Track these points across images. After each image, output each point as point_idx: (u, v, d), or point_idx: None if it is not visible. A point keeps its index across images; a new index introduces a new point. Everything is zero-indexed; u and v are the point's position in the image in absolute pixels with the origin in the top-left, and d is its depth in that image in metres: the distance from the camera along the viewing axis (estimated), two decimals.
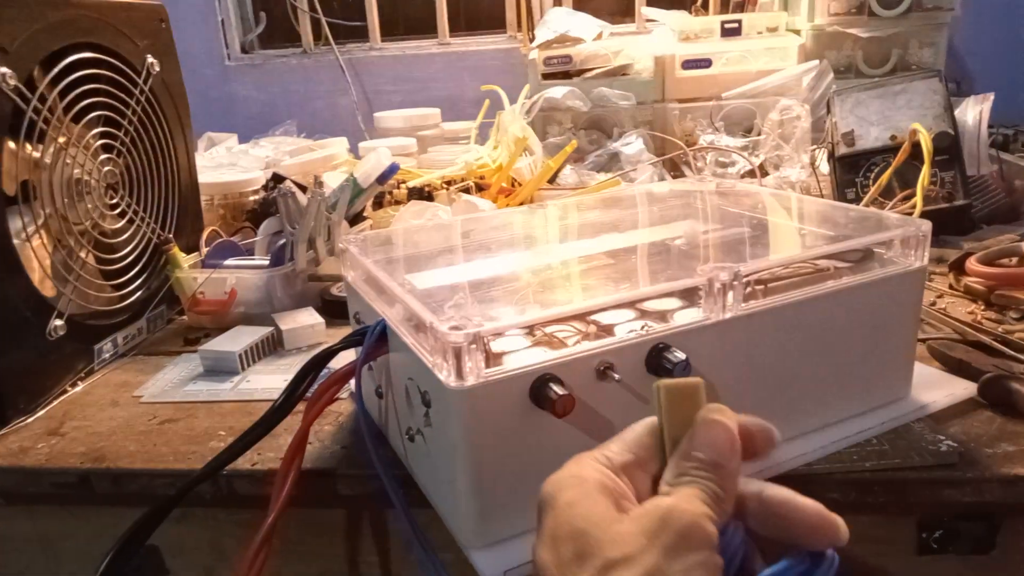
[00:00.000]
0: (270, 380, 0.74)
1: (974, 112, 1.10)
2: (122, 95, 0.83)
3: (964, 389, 0.63)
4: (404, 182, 1.25)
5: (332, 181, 1.18)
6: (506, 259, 0.66)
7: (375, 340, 0.53)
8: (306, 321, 0.82)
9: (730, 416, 0.35)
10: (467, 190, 1.22)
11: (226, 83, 2.09)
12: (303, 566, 0.64)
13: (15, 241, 0.69)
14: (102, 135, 0.82)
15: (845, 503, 0.55)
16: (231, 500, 0.61)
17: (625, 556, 0.31)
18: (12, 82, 0.67)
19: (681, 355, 0.47)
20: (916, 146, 1.01)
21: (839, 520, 0.33)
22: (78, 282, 0.76)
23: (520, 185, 1.23)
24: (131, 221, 0.86)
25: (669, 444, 0.35)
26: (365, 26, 2.10)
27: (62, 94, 0.74)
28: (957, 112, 1.09)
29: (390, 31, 2.14)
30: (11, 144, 0.69)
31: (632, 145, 1.33)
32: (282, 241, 0.91)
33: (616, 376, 0.46)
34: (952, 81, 1.63)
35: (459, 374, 0.43)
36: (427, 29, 2.12)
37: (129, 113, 0.84)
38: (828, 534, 0.33)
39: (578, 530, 0.32)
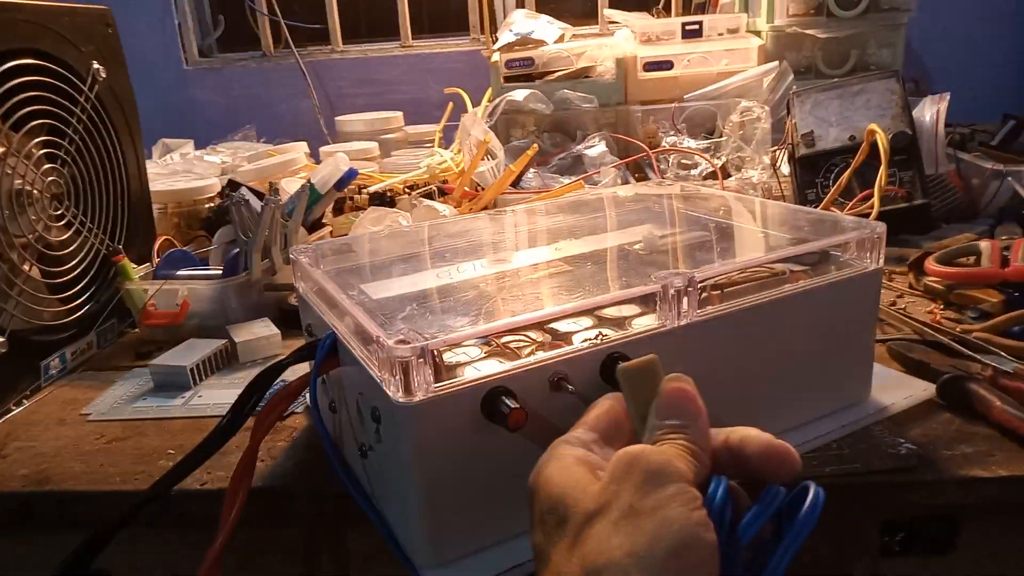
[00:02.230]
0: (223, 395, 0.72)
1: (931, 111, 1.11)
2: (66, 103, 0.81)
3: (923, 390, 0.63)
4: (365, 187, 1.23)
5: (291, 187, 1.16)
6: (465, 267, 0.65)
7: (326, 354, 0.52)
8: (261, 333, 0.80)
9: (687, 380, 0.37)
10: (430, 195, 1.21)
11: (184, 88, 2.05)
12: None
13: None
14: (45, 144, 0.79)
15: None
16: (182, 521, 0.59)
17: (600, 505, 0.32)
18: None
19: None
20: (875, 146, 1.01)
21: (787, 446, 0.34)
22: (21, 297, 0.73)
23: (483, 189, 1.22)
24: (78, 232, 0.83)
25: (639, 422, 0.37)
26: (326, 28, 2.07)
27: None
28: (915, 112, 1.10)
29: (352, 34, 2.11)
30: None
31: (595, 148, 1.33)
32: (236, 250, 0.88)
33: (570, 387, 0.45)
34: (911, 80, 1.65)
35: (407, 389, 0.42)
36: (389, 31, 2.09)
37: (74, 121, 0.82)
38: (776, 461, 0.34)
39: (557, 499, 0.33)
